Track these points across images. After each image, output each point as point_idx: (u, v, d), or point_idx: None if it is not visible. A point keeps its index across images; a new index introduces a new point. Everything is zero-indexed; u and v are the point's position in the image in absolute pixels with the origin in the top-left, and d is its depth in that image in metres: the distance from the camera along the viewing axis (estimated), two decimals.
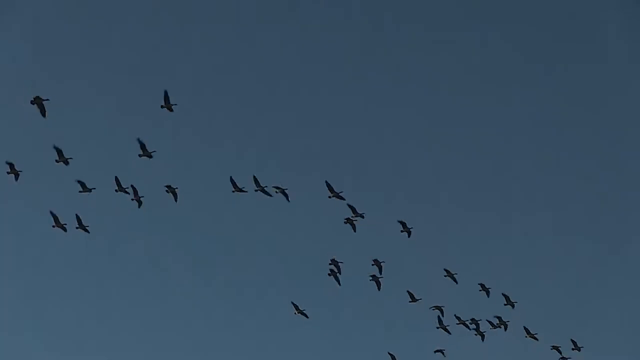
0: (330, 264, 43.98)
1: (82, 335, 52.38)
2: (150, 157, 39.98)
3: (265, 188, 41.99)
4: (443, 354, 45.15)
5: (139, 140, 40.01)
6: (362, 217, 42.86)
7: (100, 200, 41.53)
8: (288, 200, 42.14)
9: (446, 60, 61.68)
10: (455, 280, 45.01)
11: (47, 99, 36.67)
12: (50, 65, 54.46)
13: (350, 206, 42.88)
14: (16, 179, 39.49)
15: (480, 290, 45.35)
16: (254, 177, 42.07)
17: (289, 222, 51.81)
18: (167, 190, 41.67)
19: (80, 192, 40.56)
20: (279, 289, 50.88)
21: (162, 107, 39.34)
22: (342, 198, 42.64)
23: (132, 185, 41.22)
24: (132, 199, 41.54)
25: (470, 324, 45.17)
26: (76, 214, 41.43)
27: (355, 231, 43.29)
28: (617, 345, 50.34)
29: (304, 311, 45.43)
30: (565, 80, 62.37)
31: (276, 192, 42.15)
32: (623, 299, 53.36)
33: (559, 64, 62.18)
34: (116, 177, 40.83)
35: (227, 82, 58.06)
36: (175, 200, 41.77)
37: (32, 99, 36.71)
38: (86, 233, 41.58)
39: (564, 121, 61.44)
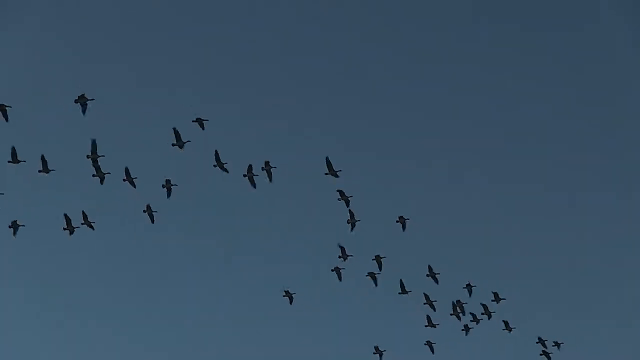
0: (339, 257, 44.37)
1: (82, 335, 52.72)
2: (182, 148, 40.23)
3: (254, 176, 41.62)
4: (432, 348, 45.77)
5: (174, 129, 40.11)
6: (349, 202, 42.63)
7: (108, 197, 41.73)
8: (270, 181, 41.75)
9: (444, 57, 61.94)
10: (436, 280, 45.18)
11: (92, 99, 36.81)
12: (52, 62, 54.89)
13: (339, 191, 42.73)
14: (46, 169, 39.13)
15: (463, 288, 45.56)
16: (250, 166, 41.79)
17: (289, 214, 52.30)
18: (163, 185, 41.23)
19: (93, 175, 39.85)
20: (274, 278, 50.34)
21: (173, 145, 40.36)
22: (337, 176, 42.18)
23: (148, 205, 41.36)
24: (144, 211, 41.56)
25: (456, 305, 45.38)
26: (82, 211, 41.15)
27: (351, 230, 43.51)
28: (598, 341, 51.79)
29: (293, 295, 45.13)
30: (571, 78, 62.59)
31: (262, 169, 41.68)
32: (608, 298, 54.35)
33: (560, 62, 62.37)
34: (126, 168, 40.49)
35: (229, 79, 58.44)
36: (168, 197, 41.37)
37: (77, 98, 36.75)
38: (91, 230, 41.26)
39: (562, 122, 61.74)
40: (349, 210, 43.33)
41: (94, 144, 38.87)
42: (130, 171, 40.58)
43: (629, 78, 57.94)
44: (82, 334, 52.48)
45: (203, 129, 40.23)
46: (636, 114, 58.96)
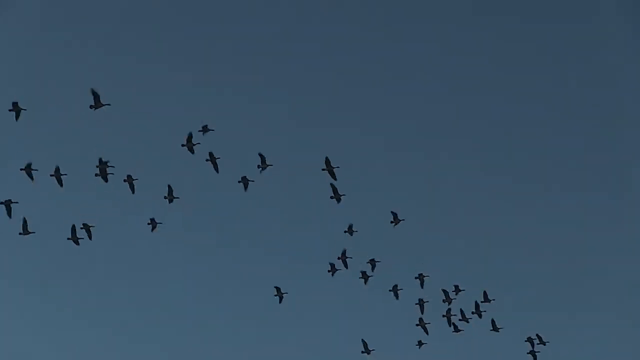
0: (338, 259, 44.74)
1: (82, 335, 52.62)
2: (191, 150, 40.88)
3: (249, 182, 41.78)
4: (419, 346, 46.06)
5: (204, 126, 40.88)
6: (339, 200, 42.73)
7: (108, 197, 42.14)
8: (260, 173, 41.93)
9: (443, 54, 61.86)
10: (422, 283, 45.39)
11: (109, 104, 37.20)
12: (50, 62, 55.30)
13: (332, 186, 42.77)
14: (59, 182, 39.56)
15: (452, 291, 45.76)
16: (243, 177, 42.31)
17: (286, 213, 52.61)
18: (165, 197, 41.95)
19: (96, 175, 39.94)
20: (270, 277, 49.94)
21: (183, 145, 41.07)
22: (333, 174, 42.25)
23: (152, 219, 42.18)
24: (148, 223, 42.45)
25: (444, 302, 45.83)
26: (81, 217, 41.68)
27: (351, 235, 44.11)
28: (587, 340, 52.28)
29: (284, 294, 45.27)
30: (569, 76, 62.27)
31: (259, 166, 41.93)
32: (601, 297, 54.42)
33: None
34: (129, 176, 40.80)
35: (228, 78, 58.85)
36: (170, 202, 41.90)
37: (93, 104, 37.05)
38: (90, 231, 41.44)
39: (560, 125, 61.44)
40: (349, 225, 44.20)
41: (101, 161, 39.59)
42: (131, 172, 41.11)
43: (630, 77, 57.95)
44: (82, 334, 52.62)
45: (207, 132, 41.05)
46: (636, 113, 58.98)
